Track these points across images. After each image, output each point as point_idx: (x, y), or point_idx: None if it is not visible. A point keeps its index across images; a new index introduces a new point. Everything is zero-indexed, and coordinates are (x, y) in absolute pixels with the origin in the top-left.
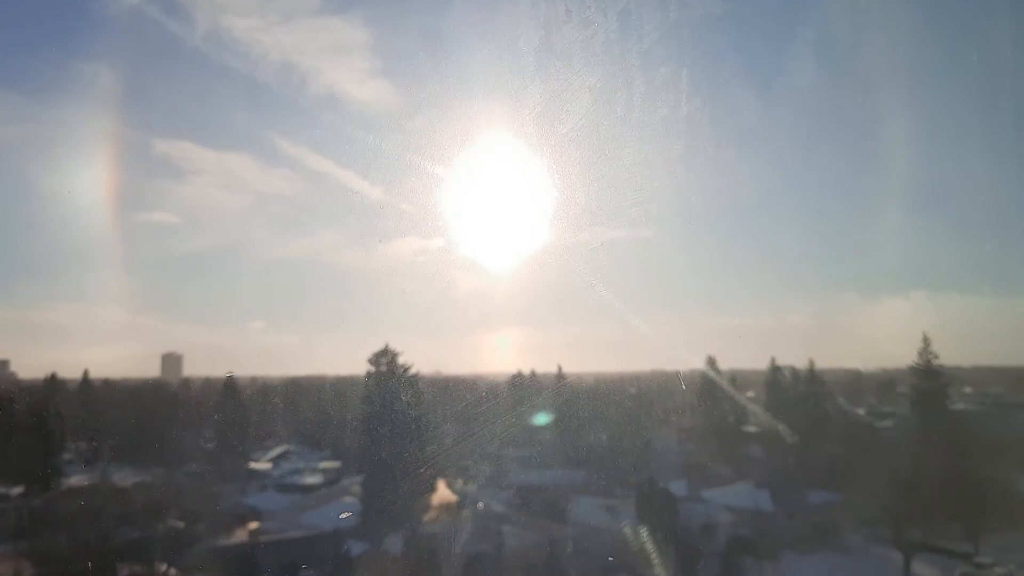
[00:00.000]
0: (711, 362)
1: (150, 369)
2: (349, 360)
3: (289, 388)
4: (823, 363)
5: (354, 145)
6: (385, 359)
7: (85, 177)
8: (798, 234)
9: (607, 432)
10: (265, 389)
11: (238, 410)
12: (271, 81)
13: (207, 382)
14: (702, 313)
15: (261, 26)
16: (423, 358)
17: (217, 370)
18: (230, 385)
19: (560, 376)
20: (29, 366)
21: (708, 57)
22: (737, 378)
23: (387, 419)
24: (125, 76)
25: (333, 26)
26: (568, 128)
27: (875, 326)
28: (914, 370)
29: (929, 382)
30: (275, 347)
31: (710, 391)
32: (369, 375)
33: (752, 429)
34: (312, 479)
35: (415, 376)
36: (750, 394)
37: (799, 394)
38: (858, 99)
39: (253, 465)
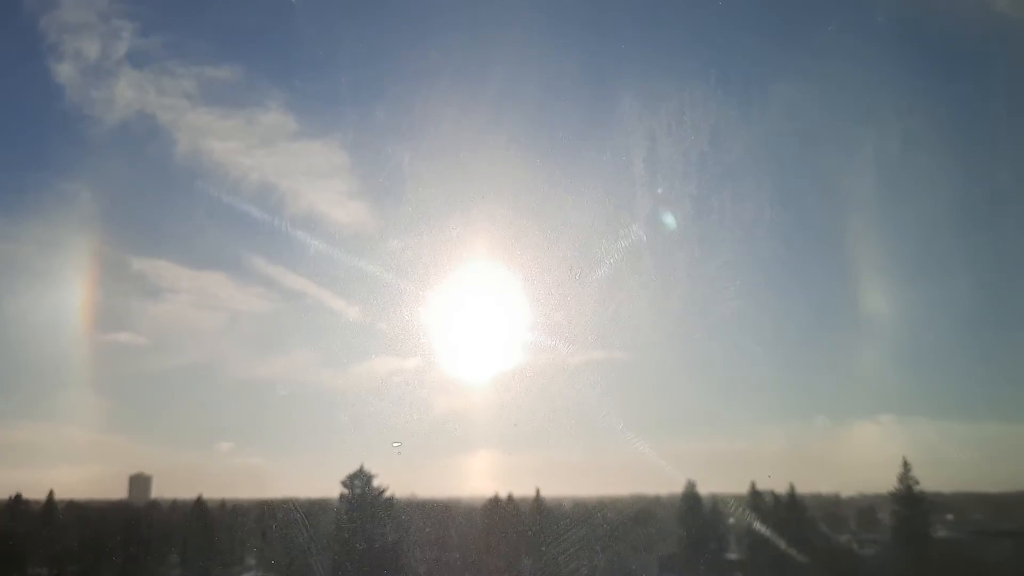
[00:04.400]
0: (691, 486)
1: (118, 490)
2: (321, 482)
3: (259, 511)
4: (801, 488)
5: (332, 265)
6: (359, 481)
7: (58, 295)
8: (769, 357)
9: (585, 559)
10: (234, 512)
11: (206, 534)
12: (250, 202)
13: (175, 505)
14: (677, 436)
15: (241, 149)
16: (397, 480)
17: (186, 492)
18: (199, 508)
19: (538, 500)
20: None
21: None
22: (717, 503)
23: (361, 544)
24: (105, 195)
25: (313, 149)
26: (548, 244)
27: (848, 450)
28: (895, 496)
29: (910, 508)
30: (244, 468)
31: (690, 516)
32: (342, 498)
33: (734, 556)
34: None
35: (390, 499)
36: (731, 520)
37: (780, 520)
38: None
39: None
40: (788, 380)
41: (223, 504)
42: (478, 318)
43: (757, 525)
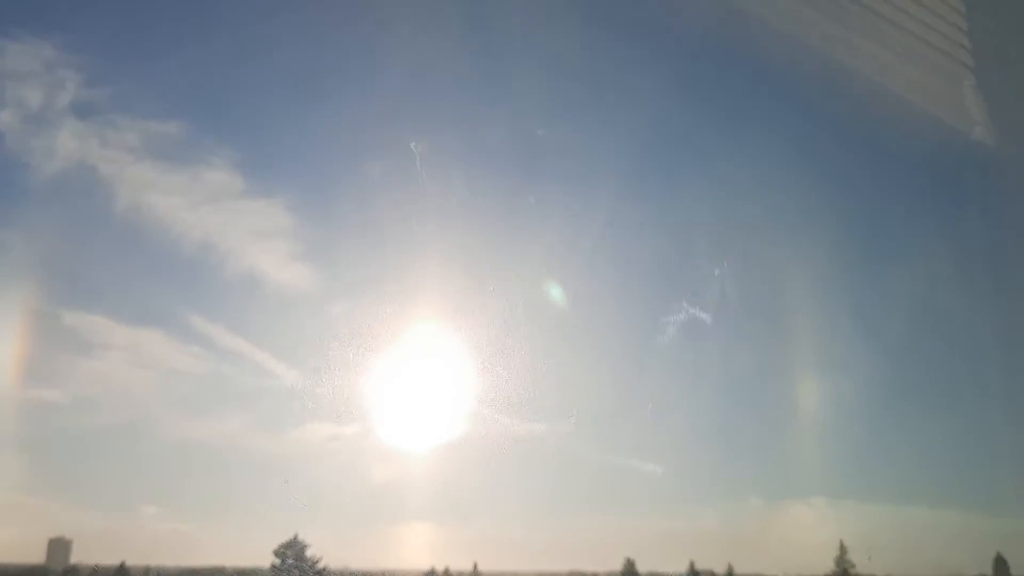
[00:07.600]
0: (630, 564)
1: (35, 555)
2: (252, 551)
3: None
4: (739, 568)
5: (271, 327)
6: (292, 551)
7: None
8: (703, 439)
9: None
10: None
11: None
12: (190, 259)
13: (96, 571)
14: (614, 513)
15: (184, 205)
16: (331, 550)
17: (108, 558)
18: (121, 574)
19: (476, 574)
20: None
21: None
22: None
23: None
24: (40, 247)
25: (257, 209)
26: (484, 316)
27: (782, 532)
28: None
29: None
30: (171, 534)
31: None
32: (273, 568)
33: None
34: None
35: (323, 570)
36: None
37: None
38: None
39: None
40: (722, 462)
41: (147, 571)
42: (420, 385)
43: None
